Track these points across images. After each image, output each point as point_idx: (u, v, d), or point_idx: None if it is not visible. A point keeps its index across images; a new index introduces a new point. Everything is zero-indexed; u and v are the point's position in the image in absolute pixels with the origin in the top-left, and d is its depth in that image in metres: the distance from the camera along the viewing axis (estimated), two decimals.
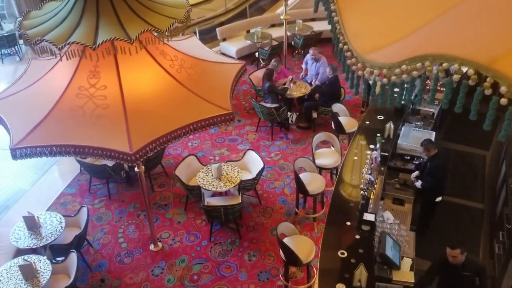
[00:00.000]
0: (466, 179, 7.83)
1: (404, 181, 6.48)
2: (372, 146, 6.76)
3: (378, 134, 7.02)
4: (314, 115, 9.08)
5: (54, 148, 4.35)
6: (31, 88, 4.97)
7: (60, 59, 4.16)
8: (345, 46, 2.24)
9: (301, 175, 6.73)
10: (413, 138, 6.95)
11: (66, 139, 4.40)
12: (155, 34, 4.39)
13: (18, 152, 4.37)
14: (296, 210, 7.10)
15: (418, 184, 6.15)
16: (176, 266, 6.59)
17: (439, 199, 6.24)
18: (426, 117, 7.76)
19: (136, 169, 6.11)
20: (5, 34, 12.67)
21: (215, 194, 7.16)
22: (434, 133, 7.07)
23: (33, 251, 6.37)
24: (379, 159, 5.94)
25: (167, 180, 8.20)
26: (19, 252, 6.30)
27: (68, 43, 4.15)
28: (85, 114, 4.50)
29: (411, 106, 7.79)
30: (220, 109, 4.81)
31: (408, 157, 6.79)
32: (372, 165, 5.69)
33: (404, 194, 6.32)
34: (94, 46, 4.10)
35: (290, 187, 7.92)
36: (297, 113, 9.58)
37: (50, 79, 4.90)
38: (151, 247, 6.86)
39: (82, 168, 8.40)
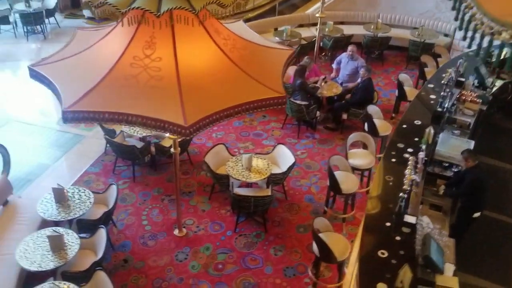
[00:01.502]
0: (498, 194, 7.67)
1: (441, 187, 6.33)
2: (410, 150, 6.65)
3: (416, 138, 6.91)
4: (344, 116, 8.95)
5: (106, 115, 4.22)
6: (82, 55, 4.85)
7: (121, 24, 4.04)
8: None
9: (335, 173, 6.59)
10: (451, 145, 6.81)
11: (118, 107, 4.27)
12: (218, 7, 4.27)
13: (69, 115, 4.24)
14: (325, 208, 6.96)
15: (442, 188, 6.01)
16: (200, 253, 6.44)
17: (477, 215, 6.07)
18: (462, 126, 7.63)
19: (172, 150, 5.99)
20: (32, 11, 12.57)
21: (242, 185, 7.03)
22: (473, 142, 6.93)
23: (56, 224, 6.24)
24: (424, 160, 5.79)
25: (191, 168, 8.07)
26: (43, 224, 6.17)
27: (132, 8, 4.03)
28: (139, 84, 4.38)
29: (448, 114, 7.66)
30: (273, 91, 4.68)
31: (447, 164, 6.64)
32: (419, 165, 5.55)
33: (442, 201, 6.16)
34: (159, 14, 3.99)
35: (317, 186, 7.79)
36: (324, 114, 9.44)
37: (103, 47, 4.78)
38: (176, 232, 6.72)
39: (107, 148, 8.28)
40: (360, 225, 6.98)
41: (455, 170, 6.59)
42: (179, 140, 7.50)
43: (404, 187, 5.52)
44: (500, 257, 6.63)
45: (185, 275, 6.11)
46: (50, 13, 13.19)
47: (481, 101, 8.15)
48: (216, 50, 4.69)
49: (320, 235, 5.42)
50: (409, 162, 5.93)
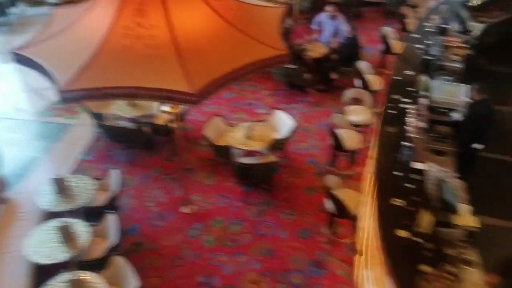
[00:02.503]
0: (494, 135, 7.74)
1: (441, 133, 6.34)
2: (406, 100, 6.62)
3: (411, 88, 6.90)
4: (333, 76, 8.86)
5: (107, 90, 4.02)
6: (67, 32, 4.59)
7: None
8: None
9: (336, 131, 6.53)
10: (446, 91, 6.80)
11: (118, 81, 4.07)
12: None
13: (68, 95, 4.02)
14: (330, 167, 6.91)
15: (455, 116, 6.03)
16: (212, 227, 6.36)
17: (478, 146, 6.14)
18: (452, 72, 7.62)
19: (172, 124, 5.81)
20: None
21: (244, 155, 6.92)
22: (467, 86, 6.92)
23: (60, 215, 6.04)
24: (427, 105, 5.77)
25: (188, 145, 7.88)
26: (46, 217, 5.96)
27: None
28: (134, 55, 4.17)
29: (437, 62, 7.63)
30: (274, 49, 4.54)
31: (444, 110, 6.65)
32: (422, 112, 5.52)
33: (445, 145, 6.18)
34: None
35: (317, 148, 7.74)
36: (313, 76, 9.32)
37: (89, 21, 4.52)
38: (183, 209, 6.60)
39: (98, 133, 8.03)
40: (366, 180, 7.00)
41: (453, 115, 6.62)
42: (170, 118, 7.36)
43: (410, 134, 5.50)
44: (508, 194, 6.75)
45: (201, 250, 6.03)
46: (12, 3, 12.58)
47: (466, 46, 8.15)
48: (210, 12, 4.50)
49: (334, 192, 5.37)
50: (411, 110, 5.92)
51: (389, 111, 6.48)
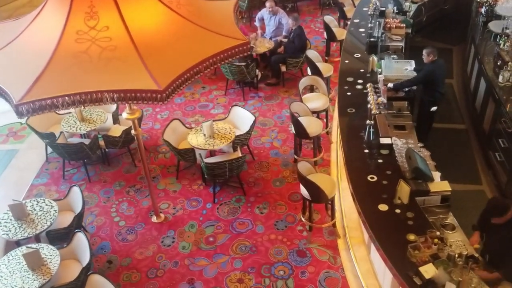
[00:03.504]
0: (441, 106, 8.09)
1: (399, 109, 6.52)
2: (360, 81, 6.78)
3: (362, 70, 7.06)
4: (283, 68, 8.91)
5: (66, 98, 3.75)
6: (13, 45, 4.26)
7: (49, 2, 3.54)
8: None
9: (299, 119, 6.54)
10: (395, 69, 7.00)
11: (78, 87, 3.81)
12: None
13: (24, 108, 3.71)
14: (295, 157, 6.92)
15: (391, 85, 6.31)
16: (186, 232, 6.16)
17: (434, 108, 6.41)
18: (395, 51, 7.87)
19: (133, 132, 5.58)
20: None
21: (207, 156, 6.78)
22: (413, 61, 7.17)
23: (17, 244, 5.63)
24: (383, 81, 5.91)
25: (147, 154, 7.64)
26: (8, 247, 5.55)
27: None
28: (92, 58, 3.93)
29: (380, 43, 7.86)
30: (234, 39, 4.45)
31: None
32: (383, 87, 5.64)
33: (403, 120, 6.35)
34: None
35: (278, 140, 7.73)
36: (261, 72, 9.33)
37: (36, 30, 4.22)
38: (154, 219, 6.36)
39: (48, 155, 7.59)
40: (333, 164, 7.08)
41: (406, 90, 6.82)
42: (125, 128, 7.09)
43: (373, 112, 5.61)
44: (464, 159, 7.06)
45: (178, 257, 5.82)
46: None
47: (404, 25, 8.45)
48: (164, 9, 4.35)
49: (308, 177, 5.36)
50: (369, 89, 6.04)
51: (346, 93, 6.58)
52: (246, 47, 4.50)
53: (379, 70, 6.41)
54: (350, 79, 6.93)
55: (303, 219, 5.91)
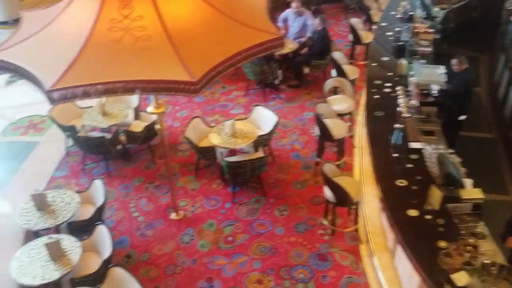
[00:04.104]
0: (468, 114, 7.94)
1: (427, 114, 6.39)
2: (388, 84, 6.66)
3: (390, 73, 6.95)
4: (306, 70, 8.82)
5: (98, 86, 3.70)
6: (44, 32, 4.23)
7: None
8: None
9: (325, 121, 6.43)
10: (425, 73, 6.86)
11: (110, 76, 3.77)
12: None
13: (56, 95, 3.67)
14: (318, 159, 6.81)
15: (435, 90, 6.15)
16: (205, 230, 6.08)
17: (463, 117, 6.25)
18: (423, 56, 7.73)
19: (157, 126, 5.53)
20: None
21: (227, 155, 6.70)
22: (442, 66, 7.02)
23: (36, 234, 5.60)
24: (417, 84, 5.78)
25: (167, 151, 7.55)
26: (27, 238, 5.51)
27: None
28: (125, 48, 3.88)
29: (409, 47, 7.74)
30: (267, 34, 4.38)
31: (426, 91, 6.70)
32: (415, 90, 5.51)
33: (432, 125, 6.21)
34: None
35: (299, 142, 7.63)
36: (283, 73, 9.23)
37: (69, 18, 4.19)
38: (172, 216, 6.29)
39: (68, 149, 7.58)
40: (356, 168, 6.96)
41: (435, 94, 6.68)
42: (147, 124, 7.05)
43: (403, 115, 5.49)
44: (491, 168, 6.89)
45: (196, 255, 5.74)
46: None
47: (433, 31, 8.32)
48: (198, 0, 4.29)
49: (334, 180, 5.25)
50: (399, 92, 5.92)
51: (374, 96, 6.47)
52: (280, 42, 4.42)
53: (411, 73, 6.28)
54: (377, 82, 6.83)
55: (325, 222, 5.79)
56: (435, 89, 6.41)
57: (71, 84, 3.70)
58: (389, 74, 6.96)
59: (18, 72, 4.04)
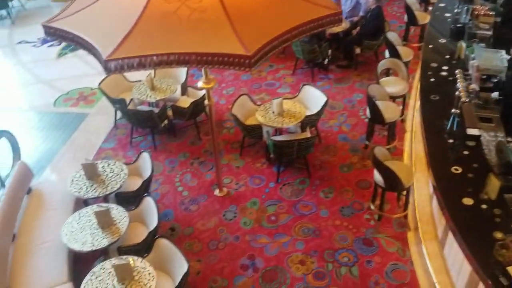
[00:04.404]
0: None
1: (485, 100, 6.06)
2: (445, 68, 6.36)
3: (447, 56, 6.63)
4: (357, 50, 8.56)
5: (154, 57, 3.69)
6: (99, 3, 4.25)
7: None
8: None
9: (377, 103, 6.22)
10: (485, 57, 6.50)
11: (165, 48, 3.74)
12: None
13: (112, 65, 3.69)
14: (367, 142, 6.62)
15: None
16: (249, 209, 6.06)
17: None
18: (483, 39, 7.33)
19: (206, 102, 5.50)
20: None
21: (273, 134, 6.62)
22: (503, 51, 6.63)
23: (85, 203, 5.75)
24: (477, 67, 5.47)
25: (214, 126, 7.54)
26: (76, 206, 5.66)
27: None
28: (181, 20, 3.84)
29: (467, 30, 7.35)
30: (325, 9, 4.22)
31: (484, 76, 6.36)
32: (475, 74, 5.23)
33: (491, 112, 5.90)
34: None
35: (347, 124, 7.45)
36: (335, 52, 9.01)
37: None
38: (216, 192, 6.30)
39: (117, 122, 7.72)
40: (406, 153, 6.73)
41: (495, 80, 6.33)
42: (194, 100, 7.05)
43: (462, 99, 5.22)
44: None
45: (239, 232, 5.74)
46: None
47: (494, 13, 7.86)
48: None
49: (386, 163, 5.08)
50: (458, 75, 5.64)
51: (429, 79, 6.20)
52: (338, 17, 4.26)
53: (472, 56, 5.96)
54: (434, 64, 6.52)
55: (372, 207, 5.65)
56: (495, 74, 6.07)
57: (127, 55, 3.69)
58: (446, 57, 6.65)
59: (75, 42, 4.08)
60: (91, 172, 5.47)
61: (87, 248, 4.63)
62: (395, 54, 7.31)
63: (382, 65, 6.98)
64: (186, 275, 4.37)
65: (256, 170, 6.70)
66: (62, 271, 4.80)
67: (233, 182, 6.51)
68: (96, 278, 4.33)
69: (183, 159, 6.99)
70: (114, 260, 4.40)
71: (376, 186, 5.46)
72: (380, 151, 5.25)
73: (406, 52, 7.42)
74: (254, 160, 6.87)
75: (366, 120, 7.42)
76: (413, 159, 6.43)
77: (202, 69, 5.04)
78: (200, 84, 5.25)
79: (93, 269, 4.41)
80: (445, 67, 6.39)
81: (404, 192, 5.49)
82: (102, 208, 4.86)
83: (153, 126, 7.09)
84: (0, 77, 9.68)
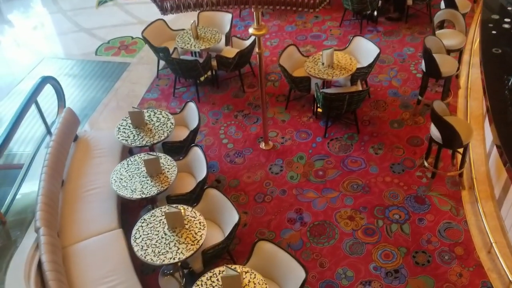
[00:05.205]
0: None
1: None
2: (507, 20, 5.91)
3: (510, 8, 6.15)
4: (409, 2, 8.07)
5: None
6: None
7: None
8: None
9: (434, 56, 5.86)
10: None
11: None
12: None
13: (168, 4, 3.52)
14: (420, 97, 6.31)
15: None
16: (295, 163, 5.93)
17: None
18: None
19: (256, 50, 5.27)
20: None
21: (321, 87, 6.37)
22: None
23: (130, 153, 5.73)
24: None
25: (255, 81, 7.37)
26: (123, 154, 5.65)
27: None
28: None
29: None
30: None
31: None
32: None
33: None
34: None
35: (398, 79, 7.12)
36: (385, 3, 8.55)
37: None
38: (262, 145, 6.18)
39: (159, 72, 7.60)
40: (458, 112, 6.41)
41: None
42: (239, 50, 6.82)
43: None
44: None
45: (286, 186, 5.63)
46: None
47: None
48: None
49: (445, 118, 4.81)
50: None
51: (491, 31, 5.78)
52: None
53: None
54: (495, 16, 6.07)
55: (426, 164, 5.42)
56: None
57: None
58: (509, 8, 6.17)
59: None
60: (138, 121, 5.40)
61: (136, 195, 4.61)
62: (452, 4, 6.83)
63: (438, 16, 6.54)
64: (236, 226, 4.32)
65: (302, 124, 6.52)
66: (112, 217, 4.82)
67: (279, 136, 6.36)
68: (147, 225, 4.33)
69: (226, 111, 6.86)
70: (165, 208, 4.37)
71: (431, 142, 5.21)
72: (439, 105, 4.96)
73: (463, 4, 6.93)
74: (301, 114, 6.68)
75: (418, 75, 7.10)
76: (468, 117, 6.11)
77: (254, 14, 4.79)
78: (251, 30, 5.02)
79: (144, 216, 4.40)
80: (507, 19, 5.94)
81: (461, 150, 5.23)
82: (152, 156, 4.81)
83: (197, 76, 6.95)
84: (41, 25, 9.65)
